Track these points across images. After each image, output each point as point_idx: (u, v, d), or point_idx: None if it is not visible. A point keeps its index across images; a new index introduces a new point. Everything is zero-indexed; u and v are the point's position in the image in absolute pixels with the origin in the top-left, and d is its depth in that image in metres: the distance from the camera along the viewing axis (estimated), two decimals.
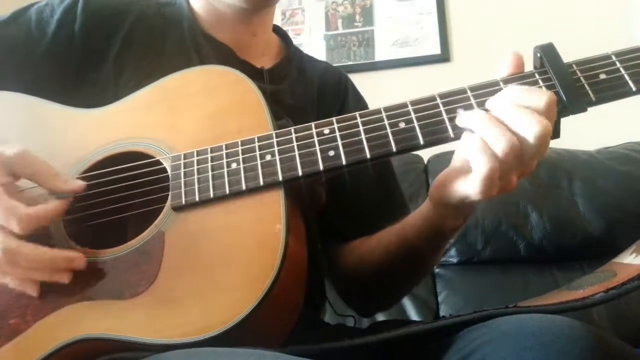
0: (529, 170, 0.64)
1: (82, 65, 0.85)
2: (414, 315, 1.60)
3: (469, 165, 0.62)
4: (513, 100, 0.61)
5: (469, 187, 0.63)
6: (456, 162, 0.68)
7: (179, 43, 0.90)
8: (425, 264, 0.88)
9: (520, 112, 0.60)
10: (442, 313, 1.60)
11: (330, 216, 0.92)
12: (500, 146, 0.59)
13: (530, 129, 0.59)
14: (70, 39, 0.86)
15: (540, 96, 0.61)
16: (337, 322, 0.97)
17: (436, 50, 2.44)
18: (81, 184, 0.68)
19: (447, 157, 1.74)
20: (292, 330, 0.67)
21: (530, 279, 1.59)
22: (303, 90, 0.96)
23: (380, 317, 1.50)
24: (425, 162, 1.81)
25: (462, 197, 0.65)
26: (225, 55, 0.90)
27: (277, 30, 1.05)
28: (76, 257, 0.64)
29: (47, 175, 0.66)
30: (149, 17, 0.91)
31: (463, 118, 0.63)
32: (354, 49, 2.50)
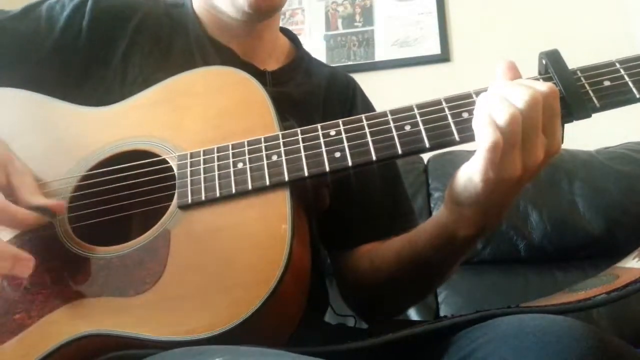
0: (533, 165, 0.63)
1: (88, 62, 0.86)
2: (414, 315, 1.60)
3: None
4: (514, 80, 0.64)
5: (472, 165, 0.63)
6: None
7: (184, 45, 0.90)
8: (434, 276, 0.86)
9: (517, 86, 0.62)
10: (442, 313, 1.60)
11: (337, 221, 0.92)
12: (500, 115, 0.60)
13: (522, 96, 0.60)
14: (78, 36, 0.86)
15: (543, 83, 0.63)
16: (337, 322, 0.98)
17: (436, 50, 2.44)
18: (58, 204, 0.69)
19: (447, 157, 1.74)
20: (294, 331, 0.68)
21: (530, 279, 1.59)
22: (309, 93, 0.96)
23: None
24: (425, 162, 1.81)
25: (466, 181, 0.65)
26: (229, 58, 0.91)
27: (286, 32, 1.05)
28: (25, 260, 0.61)
29: (30, 190, 0.68)
30: (156, 16, 0.92)
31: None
32: (354, 49, 2.50)
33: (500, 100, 0.61)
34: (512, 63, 0.67)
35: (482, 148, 0.61)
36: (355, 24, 2.55)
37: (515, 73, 0.67)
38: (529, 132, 0.61)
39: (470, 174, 0.64)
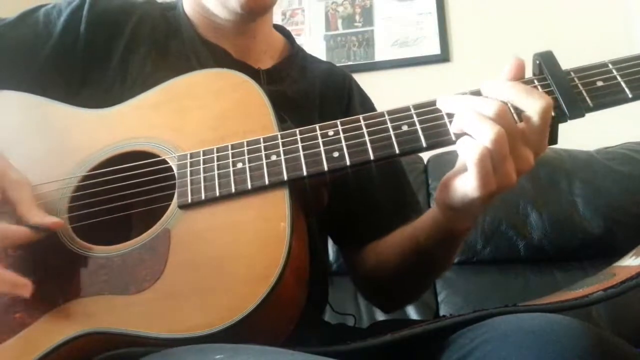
0: (527, 166, 0.64)
1: (86, 66, 0.86)
2: (414, 315, 1.60)
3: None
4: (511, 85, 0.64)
5: (466, 183, 0.64)
6: (458, 164, 0.69)
7: (179, 48, 0.91)
8: (439, 265, 0.88)
9: (521, 91, 0.62)
10: (442, 313, 1.60)
11: (344, 220, 0.94)
12: (487, 135, 0.60)
13: (534, 103, 0.61)
14: (75, 40, 0.87)
15: (539, 97, 0.63)
16: (337, 322, 0.98)
17: (436, 50, 2.45)
18: (57, 221, 0.67)
19: (446, 157, 1.75)
20: (293, 330, 0.68)
21: (530, 279, 1.60)
22: (304, 91, 0.96)
23: (380, 316, 1.51)
24: (425, 162, 1.82)
25: (462, 196, 0.66)
26: (223, 59, 0.91)
27: (281, 30, 1.05)
28: (22, 285, 0.63)
29: (29, 206, 0.66)
30: (152, 19, 0.92)
31: (445, 103, 0.65)
32: (354, 49, 2.51)
33: (484, 118, 0.62)
34: (521, 63, 0.68)
35: (470, 169, 0.62)
36: (355, 24, 2.55)
37: (520, 74, 0.68)
38: (515, 144, 0.62)
39: (465, 191, 0.65)
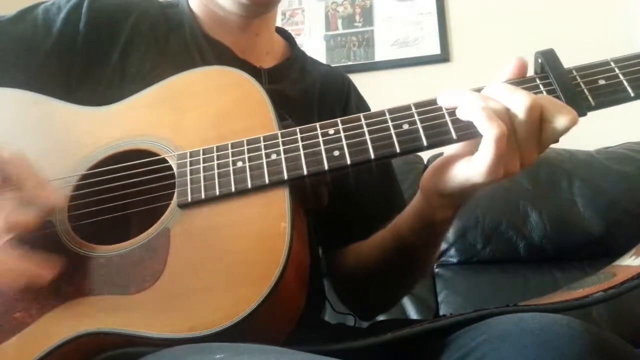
0: (529, 159, 0.64)
1: (85, 63, 0.86)
2: (413, 314, 1.60)
3: (467, 149, 0.65)
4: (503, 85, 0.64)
5: (472, 168, 0.64)
6: (450, 149, 0.69)
7: (181, 44, 0.90)
8: (419, 261, 0.88)
9: (510, 89, 0.63)
10: (442, 313, 1.60)
11: (334, 221, 0.93)
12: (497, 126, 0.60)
13: (520, 99, 0.61)
14: (75, 37, 0.86)
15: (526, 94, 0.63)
16: (337, 321, 0.98)
17: (436, 50, 2.45)
18: (60, 200, 0.67)
19: None
20: (293, 330, 0.68)
21: (530, 279, 1.60)
22: (303, 91, 0.97)
23: (380, 316, 1.51)
24: (425, 162, 1.81)
25: (462, 182, 0.66)
26: (225, 56, 0.91)
27: (282, 32, 1.06)
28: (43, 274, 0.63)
29: (33, 182, 0.64)
30: (152, 15, 0.92)
31: (450, 97, 0.65)
32: (354, 49, 2.51)
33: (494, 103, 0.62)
34: (524, 63, 0.68)
35: (488, 154, 0.62)
36: (355, 24, 2.55)
37: (521, 74, 0.68)
38: (525, 137, 0.62)
39: (469, 176, 0.65)
